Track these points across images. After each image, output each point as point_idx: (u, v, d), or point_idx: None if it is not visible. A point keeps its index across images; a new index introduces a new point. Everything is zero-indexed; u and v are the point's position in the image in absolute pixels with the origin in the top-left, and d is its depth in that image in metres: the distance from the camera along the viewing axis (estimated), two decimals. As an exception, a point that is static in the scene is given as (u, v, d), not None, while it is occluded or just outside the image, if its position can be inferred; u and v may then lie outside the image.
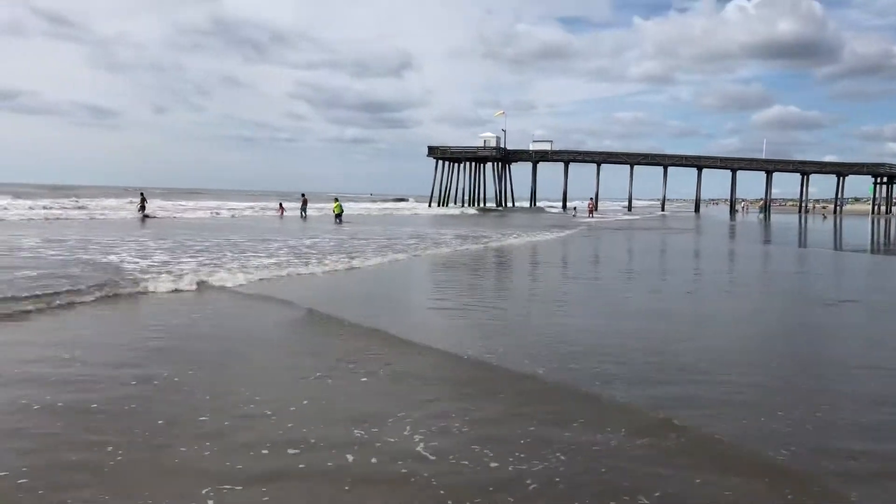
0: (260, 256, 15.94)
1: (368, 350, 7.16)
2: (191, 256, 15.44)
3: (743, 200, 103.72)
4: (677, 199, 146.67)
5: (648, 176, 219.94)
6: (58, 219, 33.49)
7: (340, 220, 36.73)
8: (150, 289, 10.73)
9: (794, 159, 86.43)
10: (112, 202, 48.32)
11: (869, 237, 37.70)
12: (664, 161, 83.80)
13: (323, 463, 4.19)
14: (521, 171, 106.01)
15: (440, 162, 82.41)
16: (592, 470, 4.19)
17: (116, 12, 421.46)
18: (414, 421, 4.93)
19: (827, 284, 15.52)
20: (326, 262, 15.20)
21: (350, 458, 4.28)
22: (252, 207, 52.26)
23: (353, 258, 16.21)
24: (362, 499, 3.79)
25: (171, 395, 5.47)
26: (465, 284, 13.41)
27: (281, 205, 48.23)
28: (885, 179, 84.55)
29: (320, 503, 3.75)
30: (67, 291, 9.74)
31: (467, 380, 6.17)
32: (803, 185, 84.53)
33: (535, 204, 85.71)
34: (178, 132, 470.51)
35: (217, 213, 42.74)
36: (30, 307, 8.83)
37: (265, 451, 4.34)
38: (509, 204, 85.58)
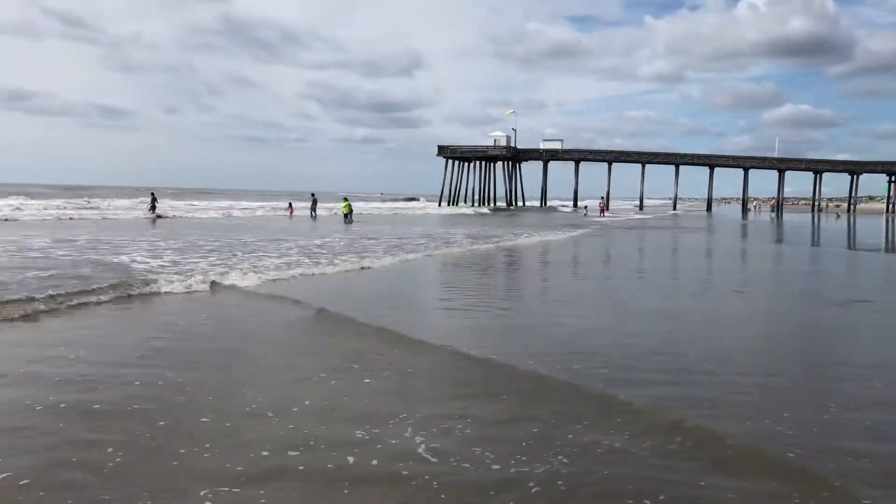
0: (270, 256, 15.96)
1: (374, 350, 7.14)
2: (201, 256, 15.50)
3: (755, 199, 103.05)
4: (689, 198, 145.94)
5: (660, 175, 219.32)
6: (70, 219, 33.74)
7: (350, 220, 36.78)
8: (161, 289, 10.74)
9: (807, 158, 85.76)
10: (124, 202, 48.63)
11: (883, 236, 37.33)
12: (675, 160, 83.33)
13: (323, 464, 4.17)
14: (531, 170, 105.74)
15: (450, 161, 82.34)
16: (595, 472, 4.14)
17: (129, 13, 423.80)
18: (416, 422, 4.90)
19: (840, 284, 15.38)
20: (337, 262, 15.19)
21: (350, 459, 4.25)
22: (263, 207, 52.42)
23: (363, 258, 16.19)
24: (361, 501, 3.77)
25: (174, 396, 5.46)
26: (476, 284, 13.35)
27: (290, 204, 48.39)
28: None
29: (319, 505, 3.73)
30: (78, 292, 9.75)
31: (472, 380, 6.14)
32: (816, 183, 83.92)
33: (545, 203, 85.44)
34: (189, 132, 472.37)
35: (230, 215, 42.75)
36: (41, 307, 8.86)
37: (265, 453, 4.32)
38: (519, 203, 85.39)
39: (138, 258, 14.82)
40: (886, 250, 26.90)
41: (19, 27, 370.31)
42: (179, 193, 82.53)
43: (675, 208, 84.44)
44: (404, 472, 4.08)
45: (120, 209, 42.55)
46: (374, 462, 4.22)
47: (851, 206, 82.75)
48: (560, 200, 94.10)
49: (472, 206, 77.70)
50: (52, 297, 9.24)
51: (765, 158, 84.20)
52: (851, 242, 31.36)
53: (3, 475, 3.93)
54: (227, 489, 3.82)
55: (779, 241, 31.48)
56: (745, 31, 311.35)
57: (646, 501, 3.78)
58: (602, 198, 70.45)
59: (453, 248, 20.77)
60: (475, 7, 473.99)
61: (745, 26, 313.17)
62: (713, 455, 4.46)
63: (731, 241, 30.23)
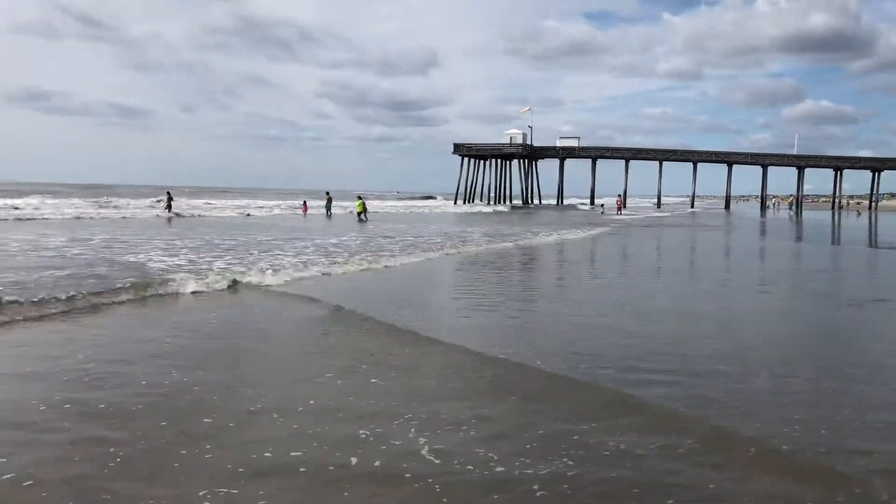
0: (287, 255, 15.94)
1: (385, 349, 7.11)
2: (217, 255, 15.48)
3: (774, 197, 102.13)
4: (707, 196, 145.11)
5: (677, 172, 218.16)
6: (91, 218, 33.98)
7: (365, 218, 36.76)
8: (176, 289, 10.66)
9: (827, 154, 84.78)
10: (141, 201, 48.86)
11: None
12: (693, 157, 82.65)
13: (324, 465, 4.13)
14: (547, 168, 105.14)
15: (466, 159, 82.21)
16: (600, 473, 4.06)
17: (147, 13, 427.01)
18: (420, 422, 4.85)
19: (858, 283, 15.15)
20: (353, 260, 15.14)
21: (353, 460, 4.21)
22: (279, 206, 52.56)
23: (381, 257, 16.15)
24: (362, 502, 3.72)
25: (179, 395, 5.44)
26: (494, 283, 13.23)
27: (305, 203, 48.66)
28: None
29: (319, 507, 3.69)
30: (92, 293, 9.71)
31: (481, 379, 6.09)
32: (836, 180, 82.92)
33: (562, 201, 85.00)
34: (206, 131, 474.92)
35: (249, 215, 42.73)
36: (59, 308, 8.83)
37: (267, 454, 4.28)
38: (535, 201, 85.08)
39: (154, 257, 14.87)
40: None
41: (39, 28, 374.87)
42: (197, 192, 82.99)
43: (692, 206, 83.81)
44: (406, 475, 4.02)
45: (137, 208, 42.71)
46: (377, 463, 4.17)
47: (873, 204, 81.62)
48: (577, 199, 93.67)
49: (489, 203, 77.55)
50: (67, 298, 9.21)
51: (784, 155, 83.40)
52: (872, 240, 30.92)
53: (8, 476, 3.92)
54: (225, 490, 3.79)
55: (798, 239, 31.10)
56: (764, 26, 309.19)
57: (652, 505, 3.69)
58: (619, 196, 70.02)
59: (472, 246, 20.58)
60: (491, 4, 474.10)
61: (764, 22, 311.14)
62: (723, 457, 4.36)
63: (751, 240, 29.90)
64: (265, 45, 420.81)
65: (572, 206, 77.94)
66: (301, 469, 4.06)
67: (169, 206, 40.10)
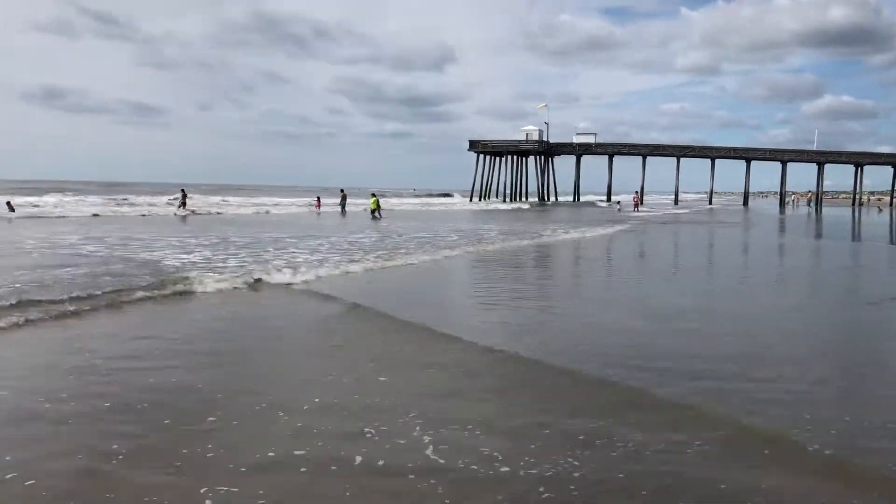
0: (302, 253, 15.90)
1: (397, 347, 7.08)
2: (231, 253, 15.46)
3: (793, 193, 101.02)
4: (725, 192, 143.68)
5: (695, 168, 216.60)
6: (110, 215, 34.18)
7: (379, 215, 36.71)
8: (191, 287, 10.58)
9: (848, 150, 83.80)
10: (158, 199, 49.10)
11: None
12: (711, 153, 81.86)
13: (327, 463, 4.10)
14: (563, 164, 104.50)
15: (481, 156, 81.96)
16: (608, 473, 3.99)
17: (163, 11, 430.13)
18: (426, 420, 4.79)
19: (878, 281, 14.91)
20: (369, 258, 15.08)
21: (358, 458, 4.17)
22: (295, 203, 52.64)
23: (395, 254, 16.09)
24: (363, 502, 3.67)
25: (185, 394, 5.41)
26: (513, 281, 13.10)
27: (318, 199, 48.76)
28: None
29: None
30: (111, 291, 9.68)
31: (489, 378, 6.04)
32: (857, 176, 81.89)
33: (578, 198, 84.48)
34: (222, 129, 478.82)
35: (268, 212, 42.70)
36: (72, 307, 8.76)
37: (271, 453, 4.24)
38: (552, 198, 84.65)
39: (170, 254, 14.89)
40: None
41: (56, 26, 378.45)
42: (214, 190, 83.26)
43: (710, 202, 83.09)
44: (410, 475, 3.97)
45: (154, 206, 42.90)
46: (381, 462, 4.13)
47: (894, 200, 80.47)
48: (593, 195, 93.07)
49: (505, 201, 77.26)
50: (81, 296, 9.18)
51: (803, 151, 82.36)
52: (894, 237, 30.48)
53: (10, 476, 3.90)
54: (226, 488, 3.76)
55: (818, 236, 30.72)
56: (784, 20, 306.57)
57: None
58: (636, 192, 69.47)
59: (490, 245, 20.34)
60: (507, 0, 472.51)
61: (783, 16, 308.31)
62: (734, 456, 4.27)
63: (769, 237, 29.61)
64: (281, 42, 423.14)
65: (591, 203, 77.25)
66: (303, 468, 4.03)
67: (183, 204, 40.23)
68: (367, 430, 4.60)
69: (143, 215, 35.43)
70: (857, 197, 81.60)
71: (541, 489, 3.79)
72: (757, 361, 6.66)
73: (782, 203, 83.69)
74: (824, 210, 67.49)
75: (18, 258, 13.94)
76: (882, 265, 18.57)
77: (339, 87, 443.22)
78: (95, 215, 33.77)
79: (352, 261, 14.48)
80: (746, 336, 8.02)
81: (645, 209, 59.92)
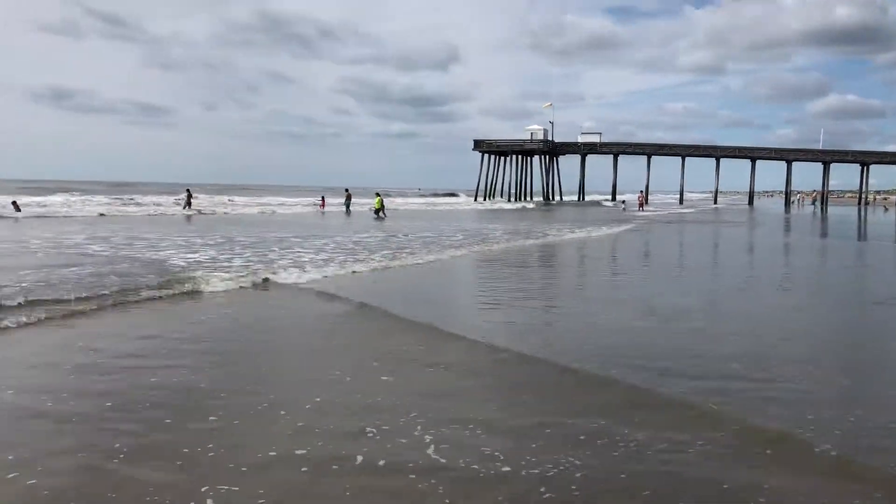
0: (308, 252, 15.93)
1: (401, 346, 7.06)
2: (237, 253, 15.50)
3: (798, 192, 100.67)
4: (730, 191, 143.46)
5: (699, 168, 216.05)
6: (116, 215, 34.29)
7: (383, 215, 36.72)
8: (198, 287, 10.59)
9: (854, 149, 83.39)
10: (165, 198, 49.24)
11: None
12: (716, 153, 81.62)
13: (328, 463, 4.09)
14: (568, 164, 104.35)
15: (486, 156, 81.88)
16: (610, 473, 3.98)
17: (169, 12, 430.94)
18: (428, 420, 4.79)
19: (883, 280, 14.86)
20: (374, 258, 15.09)
21: (359, 458, 4.16)
22: (300, 203, 52.69)
23: (401, 254, 16.10)
24: (364, 502, 3.67)
25: (187, 393, 5.42)
26: (518, 280, 13.09)
27: (323, 198, 48.86)
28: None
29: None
30: (117, 291, 9.72)
31: (492, 377, 6.05)
32: (863, 176, 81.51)
33: (583, 198, 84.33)
34: (228, 129, 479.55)
35: (275, 212, 42.72)
36: (80, 307, 8.78)
37: (272, 453, 4.24)
38: (557, 198, 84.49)
39: (176, 254, 14.92)
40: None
41: (62, 26, 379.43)
42: (219, 190, 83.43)
43: (715, 202, 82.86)
44: (411, 475, 3.96)
45: (160, 205, 43.02)
46: (381, 462, 4.12)
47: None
48: (598, 195, 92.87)
49: (510, 200, 77.15)
50: (88, 296, 9.21)
51: (808, 150, 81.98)
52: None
53: (11, 476, 3.91)
54: (226, 487, 3.76)
55: (823, 235, 30.62)
56: (789, 19, 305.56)
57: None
58: (641, 192, 69.32)
59: (495, 244, 20.35)
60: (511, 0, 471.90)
61: (788, 15, 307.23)
62: (737, 456, 4.25)
63: (775, 236, 29.50)
64: (286, 42, 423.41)
65: (596, 203, 77.09)
66: (303, 468, 4.02)
67: (189, 204, 40.31)
68: (368, 429, 4.61)
69: (150, 215, 35.51)
70: (863, 196, 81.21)
71: (542, 489, 3.78)
72: (761, 361, 6.63)
73: (788, 202, 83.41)
74: (830, 209, 67.25)
75: (24, 258, 14.00)
76: (888, 265, 18.51)
77: (344, 87, 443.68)
78: (102, 215, 33.90)
79: (357, 260, 14.51)
80: (751, 336, 7.99)
81: (650, 208, 59.83)
